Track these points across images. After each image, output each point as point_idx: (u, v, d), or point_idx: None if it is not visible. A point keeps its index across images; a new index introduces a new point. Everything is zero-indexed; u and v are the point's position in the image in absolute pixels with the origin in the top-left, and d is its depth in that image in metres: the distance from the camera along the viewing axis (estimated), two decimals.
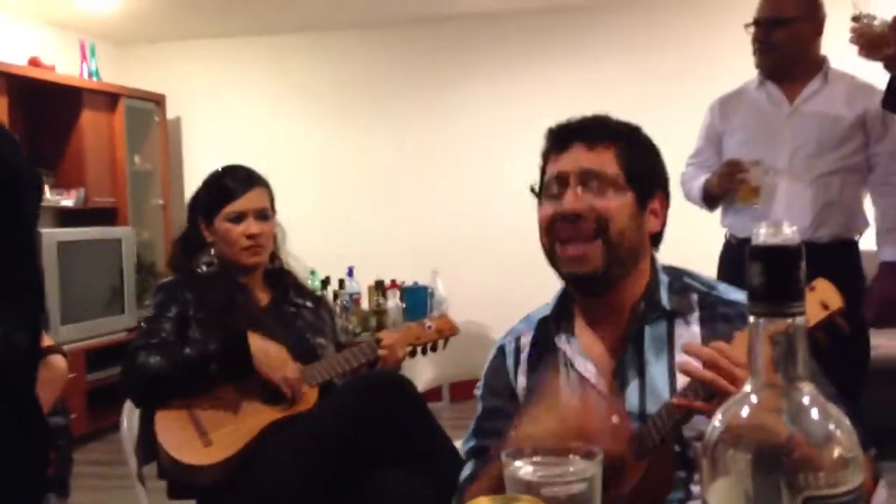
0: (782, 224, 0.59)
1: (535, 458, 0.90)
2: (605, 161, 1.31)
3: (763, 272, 0.59)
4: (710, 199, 2.84)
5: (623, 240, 1.30)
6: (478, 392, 1.48)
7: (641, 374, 1.30)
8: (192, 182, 6.11)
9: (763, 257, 0.59)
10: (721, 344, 1.14)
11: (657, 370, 1.30)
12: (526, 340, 1.42)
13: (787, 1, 2.68)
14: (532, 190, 1.38)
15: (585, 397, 1.30)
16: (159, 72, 6.02)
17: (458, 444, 1.83)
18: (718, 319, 1.31)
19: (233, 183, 2.15)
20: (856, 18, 2.32)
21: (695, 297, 1.34)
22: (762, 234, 0.59)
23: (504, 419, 1.37)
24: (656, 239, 1.40)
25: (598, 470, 0.88)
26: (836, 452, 0.58)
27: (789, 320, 0.59)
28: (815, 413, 0.59)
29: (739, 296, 1.34)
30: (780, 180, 2.64)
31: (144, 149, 5.84)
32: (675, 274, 1.38)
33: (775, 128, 2.72)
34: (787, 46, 2.68)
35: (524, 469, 0.87)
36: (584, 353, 1.35)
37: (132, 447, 2.04)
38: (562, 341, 1.37)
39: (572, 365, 1.34)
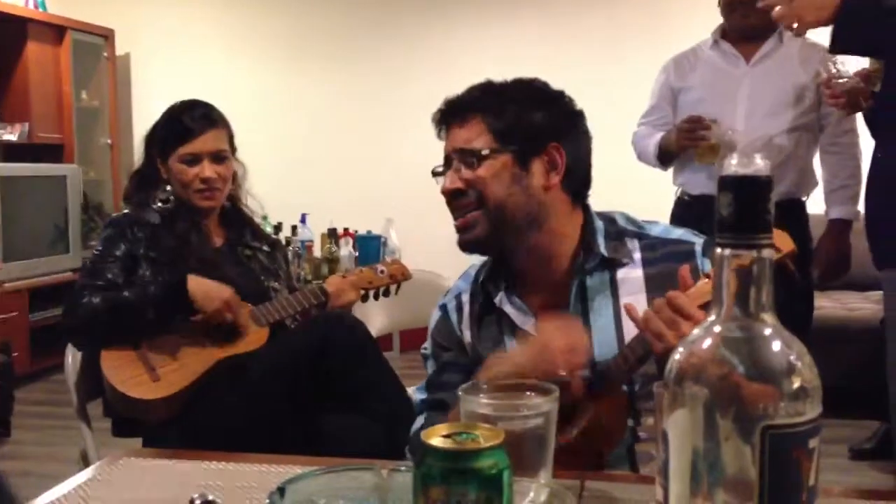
0: (755, 155, 0.59)
1: (491, 394, 0.90)
2: (474, 134, 1.32)
3: (732, 202, 0.58)
4: (665, 156, 2.85)
5: (505, 205, 1.31)
6: (426, 352, 1.48)
7: (587, 325, 1.31)
8: (141, 122, 5.94)
9: (733, 187, 0.58)
10: (670, 295, 1.14)
11: (603, 318, 1.31)
12: (466, 297, 1.43)
13: None
14: (433, 173, 1.39)
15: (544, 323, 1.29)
16: (108, 6, 5.81)
17: (409, 391, 1.83)
18: (661, 260, 1.32)
19: (190, 122, 2.08)
20: (827, 82, 2.36)
21: (633, 241, 1.35)
22: (733, 165, 0.59)
23: (456, 372, 1.38)
24: (577, 186, 1.36)
25: (553, 406, 0.89)
26: (797, 383, 0.58)
27: (755, 252, 0.59)
28: (776, 344, 0.60)
29: (680, 233, 1.37)
30: (738, 140, 2.67)
31: (91, 85, 5.66)
32: (609, 219, 1.38)
33: (731, 86, 2.74)
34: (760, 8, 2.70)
35: (480, 402, 0.87)
36: (524, 308, 1.36)
37: (75, 385, 2.00)
38: (502, 301, 1.37)
39: (514, 325, 1.35)
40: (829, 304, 4.08)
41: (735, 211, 0.58)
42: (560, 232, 1.35)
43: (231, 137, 2.16)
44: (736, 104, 2.71)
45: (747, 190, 0.58)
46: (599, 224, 1.37)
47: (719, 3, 2.81)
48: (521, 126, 1.31)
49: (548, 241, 1.34)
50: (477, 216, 1.33)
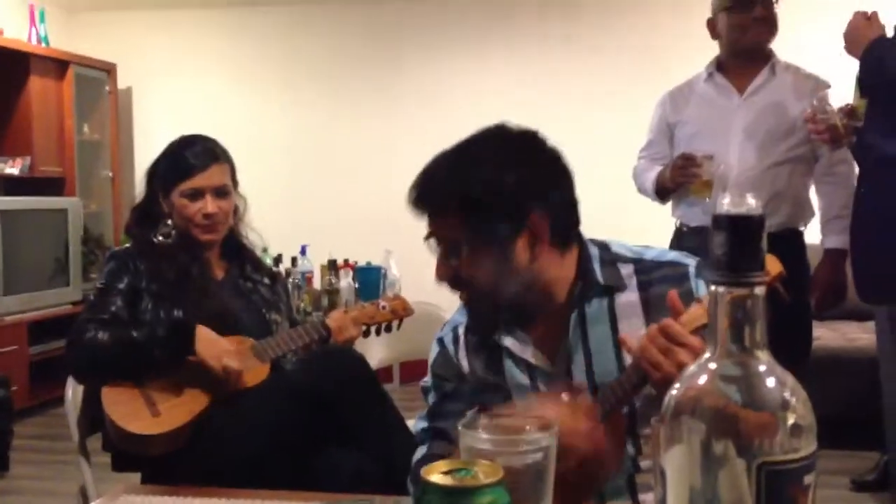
0: (746, 195, 0.60)
1: (490, 429, 0.90)
2: (450, 227, 1.28)
3: (726, 241, 0.60)
4: (662, 191, 2.88)
5: (495, 288, 1.28)
6: (426, 384, 1.48)
7: (587, 352, 1.32)
8: (143, 154, 6.00)
9: (726, 226, 0.60)
10: (663, 324, 1.15)
11: (603, 345, 1.32)
12: (462, 329, 1.44)
13: None
14: (425, 238, 1.36)
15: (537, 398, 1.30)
16: (111, 40, 5.88)
17: (409, 423, 1.83)
18: (656, 283, 1.33)
19: (192, 157, 2.09)
20: (812, 118, 2.40)
21: (628, 266, 1.35)
22: (726, 204, 0.60)
23: (458, 400, 1.38)
24: (564, 235, 1.32)
25: (553, 441, 0.89)
26: (791, 420, 0.59)
27: (749, 290, 0.60)
28: (771, 381, 0.60)
29: (673, 255, 1.38)
30: (731, 173, 2.69)
31: (94, 119, 5.70)
32: (602, 246, 1.38)
33: (725, 119, 2.77)
34: (773, 25, 2.74)
35: (480, 438, 0.87)
36: (524, 338, 1.36)
37: (76, 420, 2.00)
38: (498, 337, 1.37)
39: (515, 356, 1.35)
40: (828, 335, 4.08)
41: (728, 250, 0.60)
42: (555, 278, 1.34)
43: (233, 171, 2.18)
44: (730, 137, 2.74)
45: (740, 229, 0.59)
46: (594, 251, 1.37)
47: (718, 31, 2.84)
48: (495, 216, 1.25)
49: (545, 289, 1.34)
50: (474, 295, 1.32)
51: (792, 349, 2.62)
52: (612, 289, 1.34)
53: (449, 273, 1.31)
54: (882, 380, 2.21)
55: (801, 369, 2.74)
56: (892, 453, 2.26)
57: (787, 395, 0.60)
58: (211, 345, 1.93)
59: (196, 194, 2.07)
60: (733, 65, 2.83)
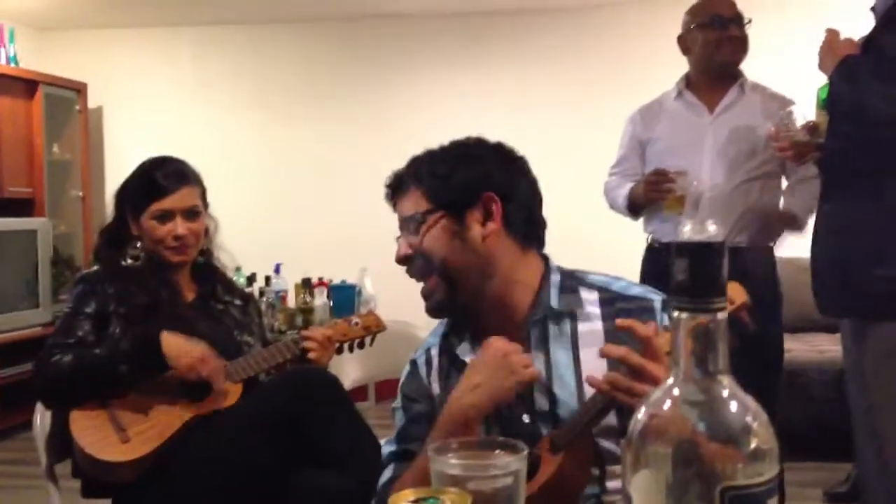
0: (707, 222, 0.61)
1: (460, 453, 0.90)
2: (412, 202, 1.39)
3: (687, 268, 0.60)
4: (634, 207, 2.91)
5: (449, 262, 1.36)
6: (396, 405, 1.49)
7: (549, 375, 1.33)
8: (114, 174, 5.95)
9: (688, 253, 0.60)
10: (625, 354, 1.16)
11: (564, 368, 1.33)
12: (435, 352, 1.46)
13: (735, 4, 2.82)
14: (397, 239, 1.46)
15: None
16: (81, 59, 5.83)
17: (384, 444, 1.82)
18: (620, 315, 1.33)
19: (162, 179, 2.08)
20: (776, 136, 2.44)
21: (593, 293, 1.38)
22: (687, 232, 0.61)
23: (426, 423, 1.39)
24: (522, 229, 1.39)
25: (522, 464, 0.89)
26: (753, 444, 0.60)
27: (710, 315, 0.61)
28: (733, 406, 0.61)
29: (639, 290, 1.40)
30: (704, 190, 2.72)
31: (64, 138, 5.65)
32: (568, 274, 1.42)
33: (696, 136, 2.81)
34: (746, 44, 2.80)
35: (450, 463, 0.87)
36: None
37: (45, 445, 1.97)
38: (465, 353, 1.39)
39: None
40: (799, 347, 4.12)
41: (690, 276, 0.60)
42: (514, 279, 1.38)
43: (203, 193, 2.17)
44: (702, 154, 2.77)
45: (701, 256, 0.60)
46: (556, 278, 1.40)
47: (689, 48, 2.87)
48: (452, 184, 1.36)
49: (503, 289, 1.37)
50: (433, 282, 1.39)
51: (765, 366, 2.67)
52: (574, 314, 1.36)
53: (408, 250, 1.39)
54: (849, 395, 2.24)
55: (774, 384, 2.77)
56: (860, 467, 2.28)
57: (749, 419, 0.61)
58: (177, 347, 1.91)
59: (166, 216, 2.06)
60: (703, 82, 2.86)
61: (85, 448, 1.85)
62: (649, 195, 2.77)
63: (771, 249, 2.85)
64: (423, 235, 1.37)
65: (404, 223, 1.40)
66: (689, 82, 2.90)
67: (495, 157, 1.41)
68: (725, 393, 0.61)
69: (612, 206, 3.02)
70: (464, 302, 1.38)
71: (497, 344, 1.28)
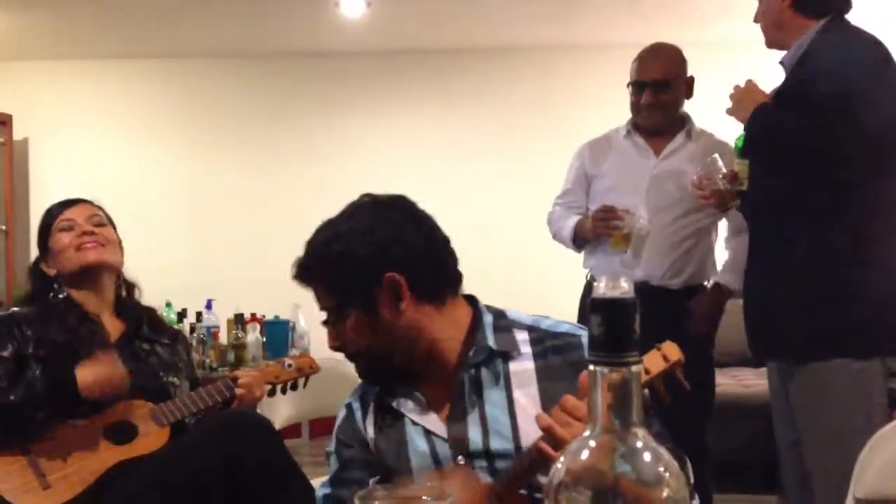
0: (620, 278, 0.63)
1: (386, 501, 0.90)
2: (322, 296, 1.42)
3: (602, 323, 0.63)
4: (579, 241, 2.94)
5: (370, 348, 1.38)
6: (330, 450, 1.50)
7: (483, 417, 1.34)
8: (38, 207, 5.75)
9: (602, 309, 0.63)
10: (563, 399, 1.18)
11: (498, 409, 1.34)
12: (370, 397, 1.47)
13: (670, 63, 2.83)
14: None
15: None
16: (6, 91, 5.68)
17: (315, 482, 1.80)
18: (550, 353, 1.37)
19: (56, 207, 2.15)
20: (699, 184, 2.51)
21: (523, 333, 1.39)
22: (602, 288, 0.63)
23: (359, 468, 1.40)
24: (434, 289, 1.38)
25: None
26: (665, 493, 0.62)
27: (625, 369, 0.63)
28: (647, 456, 0.63)
29: (567, 327, 1.42)
30: (650, 229, 2.76)
31: None
32: (499, 314, 1.43)
33: (640, 178, 2.85)
34: (672, 106, 2.84)
35: None
36: (422, 403, 1.39)
37: None
38: (400, 405, 1.40)
39: (413, 422, 1.38)
40: (726, 381, 4.22)
41: (605, 331, 0.63)
42: (440, 336, 1.38)
43: (110, 218, 2.17)
44: (643, 196, 2.82)
45: (615, 312, 0.63)
46: (488, 318, 1.40)
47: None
48: (350, 276, 1.35)
49: (431, 346, 1.38)
50: (364, 362, 1.42)
51: (698, 402, 2.72)
52: (506, 354, 1.37)
53: (336, 341, 1.41)
54: (775, 431, 2.31)
55: (705, 418, 2.82)
56: (788, 501, 2.36)
57: (661, 469, 0.63)
58: (94, 375, 1.87)
59: (70, 225, 2.09)
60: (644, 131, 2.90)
61: (4, 495, 1.79)
62: (596, 230, 2.81)
63: (705, 288, 2.89)
64: (340, 331, 1.39)
65: (325, 314, 1.42)
66: (636, 124, 2.92)
67: (385, 224, 1.36)
68: (640, 444, 0.63)
69: (556, 237, 3.04)
70: (394, 368, 1.40)
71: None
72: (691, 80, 2.89)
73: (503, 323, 1.40)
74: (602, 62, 5.07)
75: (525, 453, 1.25)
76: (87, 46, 5.57)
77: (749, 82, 2.26)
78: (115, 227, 2.18)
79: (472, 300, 1.45)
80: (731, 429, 3.72)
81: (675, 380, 1.16)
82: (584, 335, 1.39)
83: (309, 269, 1.40)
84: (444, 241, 1.41)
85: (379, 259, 1.34)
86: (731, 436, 3.74)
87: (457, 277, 1.43)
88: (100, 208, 2.17)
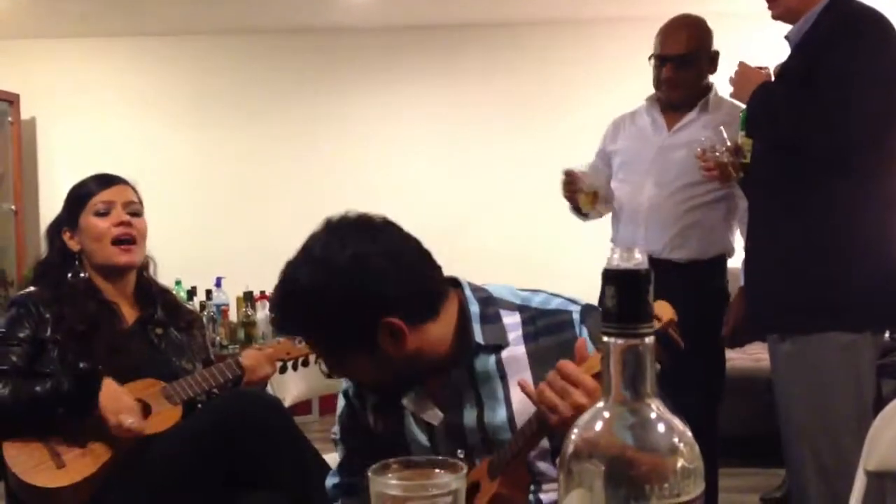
0: (634, 250, 0.63)
1: (400, 473, 0.91)
2: (313, 347, 1.42)
3: (615, 295, 0.62)
4: (575, 209, 2.94)
5: (378, 380, 1.36)
6: (335, 436, 1.50)
7: (480, 407, 1.34)
8: (47, 187, 5.79)
9: (615, 281, 0.63)
10: (560, 364, 1.17)
11: (496, 400, 1.34)
12: (366, 390, 1.46)
13: (691, 38, 2.76)
14: None
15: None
16: (13, 70, 5.68)
17: (328, 457, 1.81)
18: (542, 334, 1.34)
19: (94, 183, 2.08)
20: (702, 156, 2.49)
21: (514, 315, 1.36)
22: (615, 259, 0.63)
23: (365, 455, 1.39)
24: (424, 313, 1.32)
25: (462, 484, 0.90)
26: (680, 463, 0.62)
27: (638, 340, 0.63)
28: (661, 427, 0.63)
29: (558, 302, 1.38)
30: (642, 205, 2.77)
31: None
32: (484, 300, 1.37)
33: (647, 154, 2.83)
34: (694, 81, 2.79)
35: (389, 483, 0.88)
36: (423, 395, 1.37)
37: None
38: (401, 397, 1.39)
39: (412, 415, 1.38)
40: (736, 356, 4.21)
41: (618, 303, 0.62)
42: (434, 341, 1.33)
43: (140, 200, 2.14)
44: (648, 172, 2.81)
45: (628, 283, 0.62)
46: (475, 309, 1.35)
47: None
48: (345, 335, 1.29)
49: (425, 353, 1.34)
50: (365, 385, 1.42)
51: (707, 375, 2.71)
52: (498, 346, 1.34)
53: (335, 375, 1.42)
54: (779, 408, 2.31)
55: (717, 394, 2.83)
56: (793, 480, 2.37)
57: (675, 440, 0.63)
58: (113, 400, 1.86)
59: (107, 209, 2.04)
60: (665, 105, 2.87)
61: (19, 474, 1.80)
62: (565, 196, 2.84)
63: (715, 265, 2.82)
64: (347, 368, 1.37)
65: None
66: (659, 98, 2.89)
67: (365, 275, 1.26)
68: (654, 415, 0.63)
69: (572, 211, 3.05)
70: (400, 382, 1.37)
71: None
72: (716, 53, 2.83)
73: (490, 311, 1.36)
74: (609, 36, 5.03)
75: (524, 427, 1.26)
76: (94, 25, 5.54)
77: (741, 65, 2.25)
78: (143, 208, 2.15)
79: (456, 283, 1.40)
80: (739, 402, 3.72)
81: (669, 338, 1.16)
82: (575, 310, 1.36)
83: (298, 328, 1.40)
84: (422, 257, 1.33)
85: (374, 309, 1.27)
86: (739, 409, 3.74)
87: (442, 282, 1.36)
88: (133, 187, 2.13)
